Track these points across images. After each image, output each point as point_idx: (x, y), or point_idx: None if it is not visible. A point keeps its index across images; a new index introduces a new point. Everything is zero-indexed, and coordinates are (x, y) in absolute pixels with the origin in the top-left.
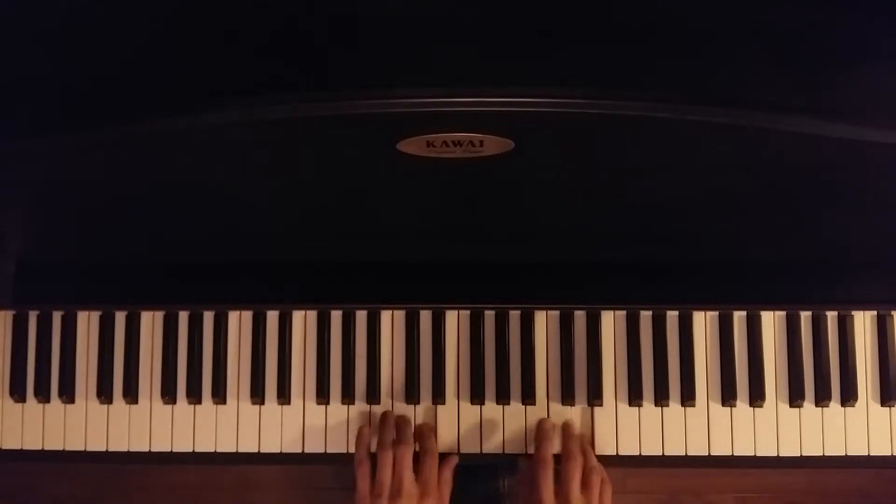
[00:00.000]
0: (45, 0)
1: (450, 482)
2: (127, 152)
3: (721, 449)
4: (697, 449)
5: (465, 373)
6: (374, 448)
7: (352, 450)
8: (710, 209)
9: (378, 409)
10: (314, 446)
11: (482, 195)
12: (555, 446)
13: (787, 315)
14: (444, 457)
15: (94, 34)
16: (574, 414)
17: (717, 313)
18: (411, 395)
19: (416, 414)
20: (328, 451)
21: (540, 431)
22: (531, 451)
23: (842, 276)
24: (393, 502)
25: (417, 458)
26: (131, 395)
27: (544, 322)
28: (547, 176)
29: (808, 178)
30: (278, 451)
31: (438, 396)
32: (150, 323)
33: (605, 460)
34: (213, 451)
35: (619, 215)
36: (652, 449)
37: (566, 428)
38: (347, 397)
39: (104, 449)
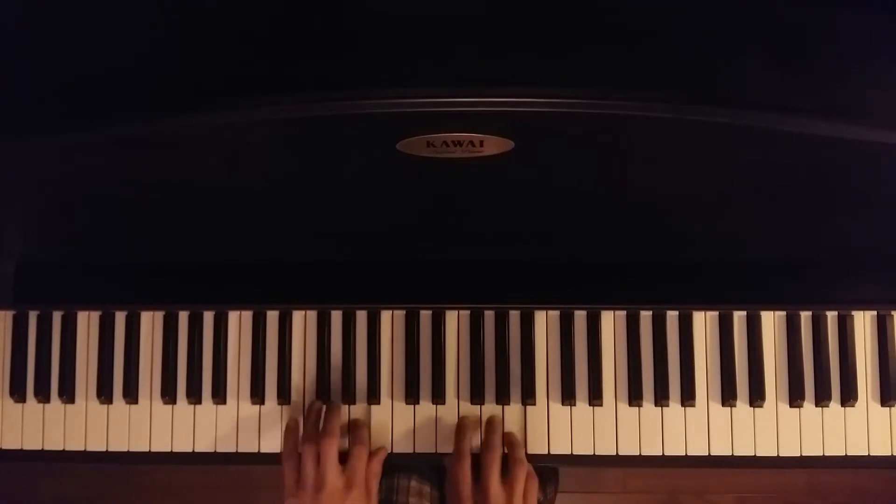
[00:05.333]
0: (44, 0)
1: (378, 475)
2: (126, 152)
3: (721, 449)
4: (697, 449)
5: (465, 373)
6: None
7: None
8: (711, 209)
9: (377, 409)
10: None
11: (482, 195)
12: (475, 442)
13: (787, 315)
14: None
15: (93, 35)
16: (575, 413)
17: (717, 313)
18: (411, 395)
19: (416, 414)
20: None
21: (457, 428)
22: (530, 450)
23: (842, 276)
24: (317, 495)
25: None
26: (131, 395)
27: (544, 322)
28: (547, 176)
29: (808, 178)
30: (278, 451)
31: (438, 396)
32: (150, 323)
33: (606, 460)
34: (213, 451)
35: (619, 215)
36: (652, 449)
37: (489, 422)
38: (348, 397)
39: (104, 449)
